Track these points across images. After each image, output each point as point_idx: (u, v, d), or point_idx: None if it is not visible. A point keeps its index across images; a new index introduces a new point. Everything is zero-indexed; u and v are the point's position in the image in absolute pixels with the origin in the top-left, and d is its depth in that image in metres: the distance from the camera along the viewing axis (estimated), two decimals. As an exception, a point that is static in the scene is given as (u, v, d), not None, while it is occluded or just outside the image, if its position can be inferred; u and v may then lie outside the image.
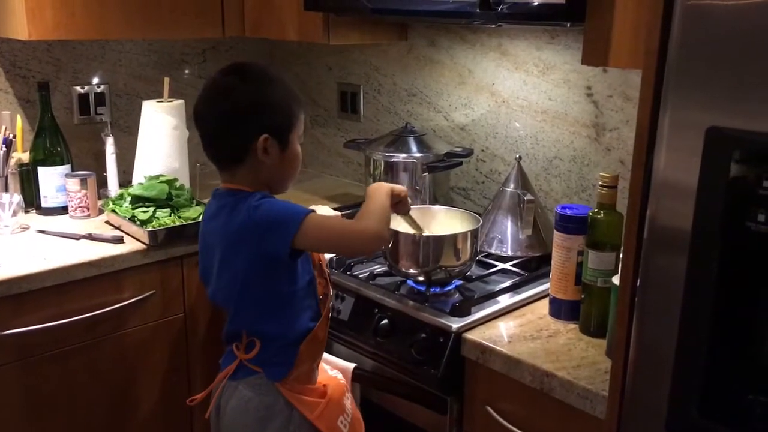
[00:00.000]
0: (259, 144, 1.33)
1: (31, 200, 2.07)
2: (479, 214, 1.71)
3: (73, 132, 2.22)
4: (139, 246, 1.83)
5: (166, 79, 2.17)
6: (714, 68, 0.91)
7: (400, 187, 1.48)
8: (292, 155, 1.39)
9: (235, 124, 1.34)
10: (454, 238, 1.58)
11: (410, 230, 1.59)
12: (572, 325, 1.47)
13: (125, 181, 2.20)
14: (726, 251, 0.94)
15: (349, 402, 1.49)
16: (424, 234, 1.59)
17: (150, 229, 1.84)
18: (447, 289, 1.62)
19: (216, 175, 1.43)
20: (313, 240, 1.31)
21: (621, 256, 1.12)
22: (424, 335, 1.48)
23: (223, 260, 1.38)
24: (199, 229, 1.47)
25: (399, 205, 1.49)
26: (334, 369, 1.55)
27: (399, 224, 1.61)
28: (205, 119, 1.38)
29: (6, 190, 1.97)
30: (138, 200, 1.95)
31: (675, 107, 0.95)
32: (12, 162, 2.01)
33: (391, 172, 2.00)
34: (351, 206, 2.05)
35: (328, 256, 1.70)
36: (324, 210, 1.72)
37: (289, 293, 1.37)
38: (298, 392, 1.39)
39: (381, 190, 1.43)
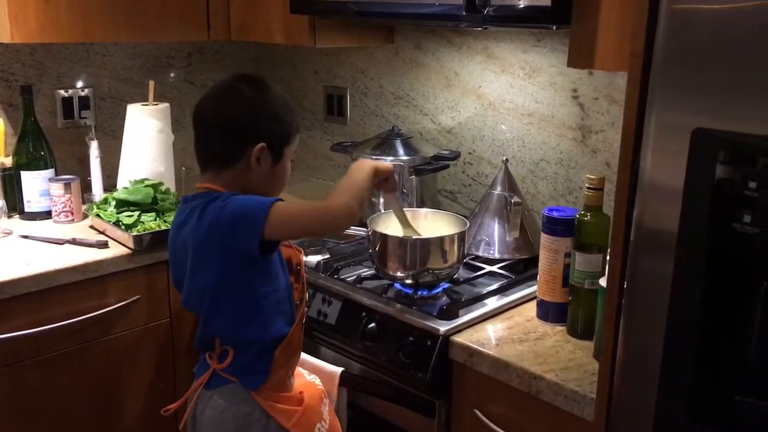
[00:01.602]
0: (255, 151, 1.33)
1: (14, 205, 2.05)
2: (466, 217, 1.71)
3: (57, 136, 2.20)
4: (123, 251, 1.81)
5: (151, 83, 2.15)
6: (699, 71, 0.91)
7: (385, 165, 1.46)
8: (282, 170, 1.39)
9: (234, 127, 1.34)
10: (441, 240, 1.58)
11: (401, 231, 1.59)
12: (560, 328, 1.47)
13: (110, 185, 2.19)
14: (712, 252, 0.94)
15: (326, 408, 1.47)
16: (419, 236, 1.59)
17: (135, 233, 1.82)
18: (434, 292, 1.62)
19: (200, 179, 1.41)
20: (282, 226, 1.28)
21: (608, 257, 1.12)
22: (411, 338, 1.47)
23: (195, 263, 1.35)
24: (169, 237, 1.43)
25: (386, 183, 1.47)
26: (312, 374, 1.54)
27: (392, 225, 1.61)
28: (206, 116, 1.38)
29: (-12, 194, 1.95)
30: (123, 204, 1.93)
31: (661, 109, 0.96)
32: (-5, 166, 2.00)
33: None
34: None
35: (315, 258, 1.69)
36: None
37: (264, 295, 1.34)
38: (274, 401, 1.37)
39: (362, 169, 1.41)
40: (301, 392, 1.43)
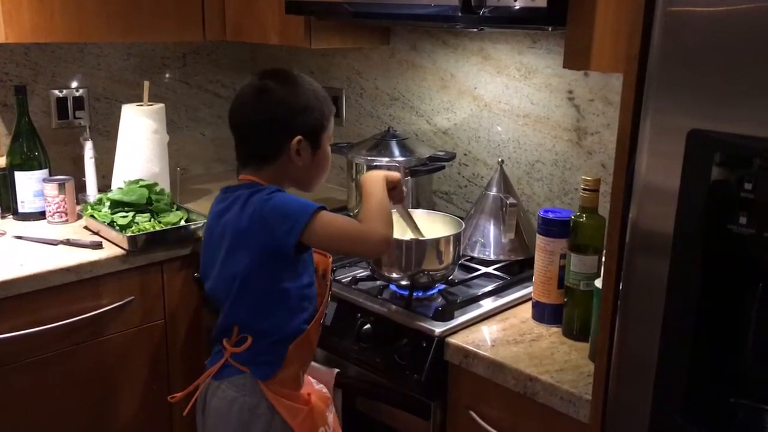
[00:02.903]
0: (293, 145, 1.37)
1: (8, 205, 2.04)
2: (462, 218, 1.70)
3: (51, 136, 2.19)
4: (118, 251, 1.81)
5: (146, 83, 2.15)
6: (695, 73, 0.91)
7: (393, 174, 1.48)
8: (323, 156, 1.43)
9: (270, 126, 1.38)
10: (436, 242, 1.58)
11: (408, 232, 1.59)
12: (555, 329, 1.47)
13: (104, 185, 2.18)
14: (708, 254, 0.94)
15: (332, 416, 1.48)
16: (423, 237, 1.59)
17: (129, 234, 1.82)
18: (430, 293, 1.62)
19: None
20: (321, 237, 1.32)
21: (603, 259, 1.12)
22: (406, 340, 1.47)
23: (231, 250, 1.38)
24: (206, 224, 1.48)
25: (393, 193, 1.48)
26: (319, 384, 1.54)
27: (397, 224, 1.60)
28: (241, 120, 1.42)
29: (-18, 195, 1.95)
30: (117, 205, 1.92)
31: (656, 111, 0.96)
32: (-12, 167, 1.99)
33: (373, 176, 1.99)
34: (335, 211, 2.04)
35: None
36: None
37: (288, 290, 1.37)
38: (282, 396, 1.38)
39: (377, 182, 1.43)
40: (309, 393, 1.44)
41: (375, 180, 1.44)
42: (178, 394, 1.48)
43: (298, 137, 1.36)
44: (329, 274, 1.48)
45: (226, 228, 1.39)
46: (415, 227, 1.60)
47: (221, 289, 1.41)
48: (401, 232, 1.61)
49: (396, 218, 1.58)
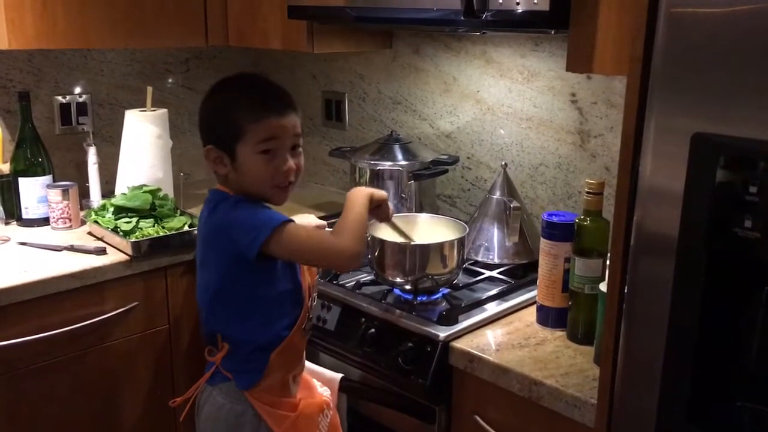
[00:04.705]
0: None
1: (12, 211, 2.04)
2: (465, 222, 1.70)
3: (54, 142, 2.20)
4: (122, 257, 1.81)
5: (149, 89, 2.15)
6: (698, 74, 0.91)
7: (380, 192, 1.46)
8: (244, 168, 1.33)
9: (200, 133, 1.40)
10: (440, 246, 1.58)
11: (398, 238, 1.58)
12: (560, 333, 1.47)
13: (108, 191, 2.18)
14: (713, 257, 0.94)
15: (326, 421, 1.46)
16: (414, 240, 1.58)
17: (133, 239, 1.82)
18: (434, 297, 1.62)
19: (199, 185, 1.43)
20: (286, 249, 1.30)
21: (608, 262, 1.12)
22: (411, 344, 1.47)
23: (202, 257, 1.40)
24: None
25: (378, 210, 1.46)
26: (324, 386, 1.53)
27: (385, 233, 1.60)
28: None
29: (-14, 201, 1.95)
30: (121, 211, 1.92)
31: (660, 114, 0.95)
32: (-8, 173, 1.99)
33: (376, 180, 2.00)
34: (336, 215, 2.04)
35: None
36: (308, 219, 1.71)
37: (262, 297, 1.36)
38: (267, 403, 1.38)
39: (360, 198, 1.41)
40: (300, 399, 1.43)
41: (358, 196, 1.41)
42: (178, 399, 1.48)
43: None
44: (314, 283, 1.46)
45: (199, 236, 1.41)
46: (405, 236, 1.59)
47: (199, 296, 1.43)
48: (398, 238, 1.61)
49: (391, 234, 1.58)
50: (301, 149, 1.38)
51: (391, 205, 1.50)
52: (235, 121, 1.32)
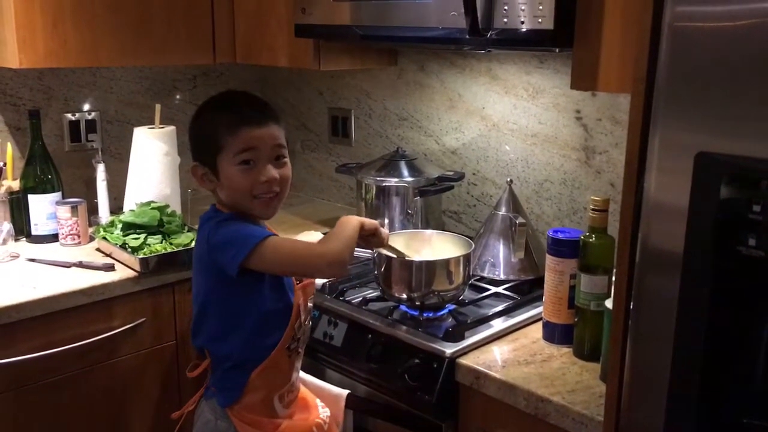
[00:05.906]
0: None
1: (22, 228, 2.06)
2: (471, 238, 1.71)
3: (63, 159, 2.22)
4: (130, 273, 1.82)
5: (158, 106, 2.17)
6: (703, 91, 0.91)
7: (370, 222, 1.46)
8: (226, 181, 1.35)
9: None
10: (446, 262, 1.58)
11: (412, 255, 1.59)
12: (566, 349, 1.47)
13: (116, 207, 2.20)
14: (718, 273, 0.94)
15: None
16: (414, 258, 1.58)
17: (141, 256, 1.83)
18: (440, 313, 1.62)
19: (206, 201, 1.45)
20: (270, 263, 1.31)
21: (613, 279, 1.12)
22: (417, 360, 1.47)
23: (194, 275, 1.43)
24: None
25: (373, 239, 1.47)
26: (325, 407, 1.53)
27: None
28: None
29: (-4, 218, 1.96)
30: (129, 227, 1.94)
31: (664, 130, 0.96)
32: (2, 190, 2.00)
33: (382, 196, 2.01)
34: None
35: (321, 280, 1.69)
36: (312, 236, 1.71)
37: (245, 315, 1.37)
38: (247, 422, 1.38)
39: (348, 225, 1.41)
40: (282, 421, 1.42)
41: (347, 222, 1.42)
42: (177, 412, 1.50)
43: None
44: (306, 303, 1.46)
45: (194, 251, 1.44)
46: (403, 255, 1.59)
47: (193, 310, 1.45)
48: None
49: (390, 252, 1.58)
50: (286, 160, 1.38)
51: (384, 230, 1.50)
52: (214, 135, 1.33)
